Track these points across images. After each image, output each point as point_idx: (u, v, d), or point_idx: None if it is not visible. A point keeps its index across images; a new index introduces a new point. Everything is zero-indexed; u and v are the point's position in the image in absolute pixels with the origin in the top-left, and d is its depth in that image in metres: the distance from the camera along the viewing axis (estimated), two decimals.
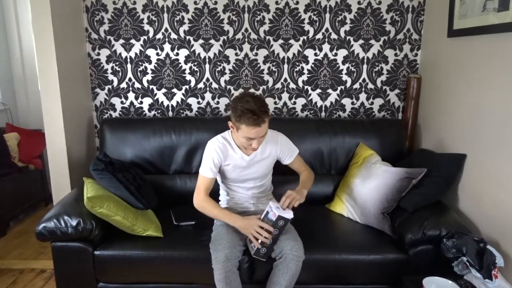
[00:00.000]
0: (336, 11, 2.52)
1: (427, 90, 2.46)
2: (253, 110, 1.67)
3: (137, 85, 2.66)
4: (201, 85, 2.65)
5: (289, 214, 1.72)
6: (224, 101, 2.66)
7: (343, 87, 2.64)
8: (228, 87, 2.65)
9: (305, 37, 2.56)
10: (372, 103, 2.66)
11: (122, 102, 2.68)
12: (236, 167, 1.93)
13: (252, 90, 2.62)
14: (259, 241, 1.72)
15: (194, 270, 1.86)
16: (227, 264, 1.66)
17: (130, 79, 2.65)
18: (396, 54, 2.59)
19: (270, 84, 2.64)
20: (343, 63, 2.60)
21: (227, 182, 2.01)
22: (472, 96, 1.96)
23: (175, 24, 2.55)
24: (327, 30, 2.55)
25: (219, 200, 2.10)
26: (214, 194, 2.18)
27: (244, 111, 1.67)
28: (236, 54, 2.59)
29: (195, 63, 2.61)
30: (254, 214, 1.94)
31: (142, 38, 2.58)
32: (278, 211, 1.70)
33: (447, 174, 2.01)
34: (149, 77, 2.64)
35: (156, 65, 2.62)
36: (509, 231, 1.67)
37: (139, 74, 2.64)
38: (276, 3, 2.51)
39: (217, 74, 2.63)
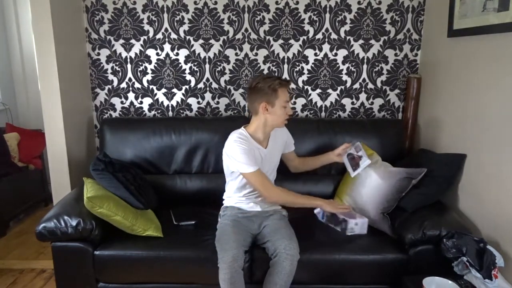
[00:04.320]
0: (336, 11, 2.52)
1: (427, 90, 2.45)
2: (279, 77, 2.00)
3: (137, 85, 2.66)
4: (201, 85, 2.65)
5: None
6: (224, 101, 2.66)
7: (343, 87, 2.64)
8: (228, 87, 2.65)
9: (305, 37, 2.56)
10: (372, 103, 2.66)
11: (122, 102, 2.68)
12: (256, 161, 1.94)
13: None
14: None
15: (194, 270, 1.86)
16: (234, 264, 1.66)
17: (130, 79, 2.65)
18: (396, 54, 2.58)
19: None
20: (343, 63, 2.60)
21: (241, 179, 1.99)
22: (472, 96, 1.96)
23: (175, 24, 2.55)
24: (327, 30, 2.55)
25: (223, 199, 2.11)
26: (217, 193, 2.18)
27: (275, 79, 1.92)
28: (236, 54, 2.59)
29: (195, 63, 2.61)
30: (259, 214, 1.97)
31: (142, 38, 2.58)
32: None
33: (447, 174, 2.01)
34: (149, 77, 2.64)
35: (156, 65, 2.62)
36: (509, 231, 1.67)
37: (139, 74, 2.64)
38: (276, 3, 2.51)
39: (217, 74, 2.63)
